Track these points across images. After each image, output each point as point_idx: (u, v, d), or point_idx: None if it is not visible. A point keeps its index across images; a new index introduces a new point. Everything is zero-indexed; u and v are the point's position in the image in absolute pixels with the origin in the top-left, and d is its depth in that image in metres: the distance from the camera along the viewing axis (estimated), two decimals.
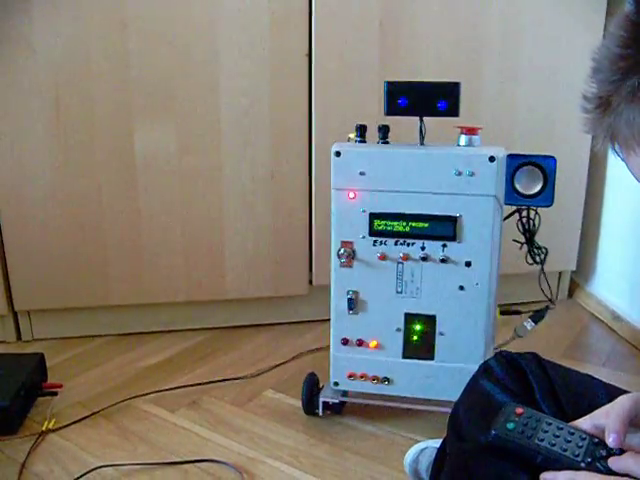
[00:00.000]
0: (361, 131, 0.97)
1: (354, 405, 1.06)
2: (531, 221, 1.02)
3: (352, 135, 0.98)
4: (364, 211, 0.96)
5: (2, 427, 1.01)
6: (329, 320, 1.02)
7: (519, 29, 1.33)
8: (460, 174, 0.91)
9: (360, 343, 1.01)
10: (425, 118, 0.94)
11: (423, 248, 0.95)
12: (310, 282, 1.39)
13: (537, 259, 1.04)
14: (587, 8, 1.33)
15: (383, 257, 0.97)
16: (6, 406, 1.01)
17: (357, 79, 1.28)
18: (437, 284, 0.96)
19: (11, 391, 1.03)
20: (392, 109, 0.94)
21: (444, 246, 0.95)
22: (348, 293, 1.00)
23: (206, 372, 1.23)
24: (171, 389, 1.16)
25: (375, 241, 0.97)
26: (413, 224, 0.95)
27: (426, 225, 0.94)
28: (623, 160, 0.49)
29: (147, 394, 1.14)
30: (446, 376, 0.99)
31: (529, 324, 1.08)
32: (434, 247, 0.95)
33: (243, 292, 1.36)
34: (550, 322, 1.44)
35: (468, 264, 0.94)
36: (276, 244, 1.34)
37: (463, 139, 0.95)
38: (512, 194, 0.96)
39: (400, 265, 0.97)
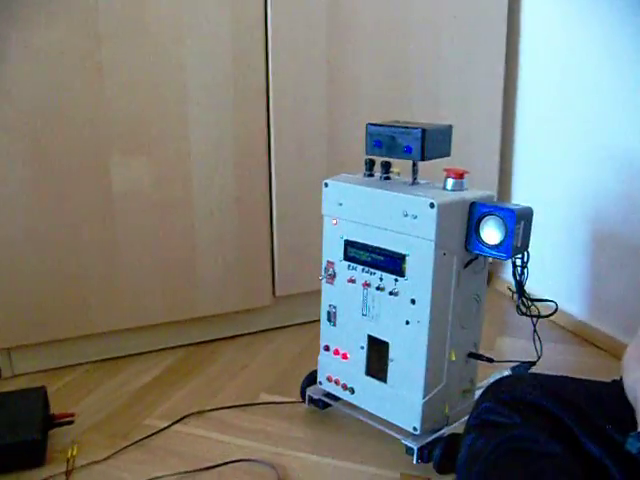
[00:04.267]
0: (369, 165, 1.08)
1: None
2: (521, 269, 1.03)
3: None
4: (342, 237, 1.07)
5: (31, 460, 1.04)
6: (293, 326, 1.33)
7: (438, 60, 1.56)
8: (407, 215, 0.97)
9: (336, 352, 1.12)
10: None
11: (381, 279, 1.03)
12: (273, 294, 1.52)
13: (526, 311, 1.05)
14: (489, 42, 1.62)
15: (352, 280, 1.07)
16: (37, 439, 1.04)
17: (308, 113, 1.44)
18: (389, 314, 1.03)
19: (36, 424, 1.05)
20: (369, 149, 1.05)
21: (396, 280, 1.01)
22: (329, 306, 1.12)
23: (198, 384, 1.32)
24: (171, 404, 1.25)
25: (348, 265, 1.07)
26: (374, 256, 1.03)
27: (382, 258, 1.02)
28: None
29: (153, 411, 1.21)
30: (397, 401, 1.04)
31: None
32: (389, 279, 1.02)
33: (214, 308, 1.46)
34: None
35: (413, 301, 0.99)
36: (242, 262, 1.45)
37: (450, 182, 1.01)
38: (476, 242, 0.98)
39: (365, 290, 1.06)
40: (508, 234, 0.95)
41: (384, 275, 1.02)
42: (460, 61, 1.58)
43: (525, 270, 1.02)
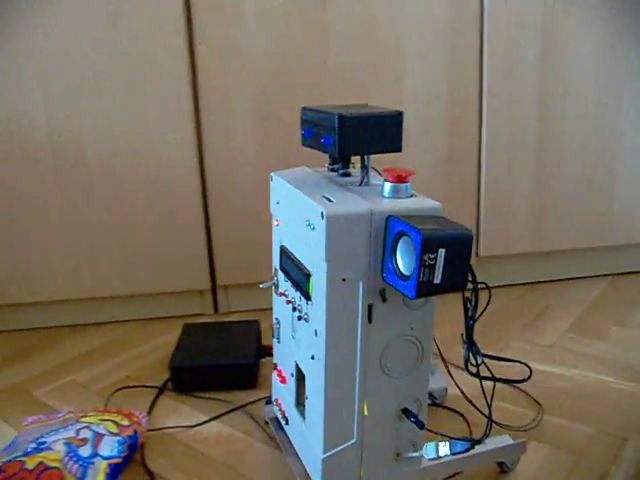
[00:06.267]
0: (332, 160, 0.88)
1: None
2: (472, 312, 0.74)
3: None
4: (280, 243, 0.89)
5: (246, 381, 1.18)
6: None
7: None
8: (309, 225, 0.75)
9: (279, 373, 0.96)
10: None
11: (300, 298, 0.82)
12: (476, 254, 1.61)
13: (474, 369, 0.76)
14: None
15: (282, 294, 0.89)
16: (252, 364, 1.17)
17: (519, 98, 1.50)
18: (304, 342, 0.82)
19: (251, 351, 1.20)
20: (302, 140, 0.85)
21: (307, 303, 0.79)
22: (275, 320, 0.95)
23: None
24: None
25: (284, 276, 0.88)
26: (294, 269, 0.82)
27: (297, 273, 0.81)
28: None
29: None
30: (309, 447, 0.83)
31: (443, 450, 0.78)
32: (303, 301, 0.81)
33: None
34: None
35: (316, 332, 0.77)
36: None
37: (387, 187, 0.75)
38: (390, 269, 0.71)
39: (291, 308, 0.86)
40: (415, 264, 0.66)
41: (301, 295, 0.82)
42: None
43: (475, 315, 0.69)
